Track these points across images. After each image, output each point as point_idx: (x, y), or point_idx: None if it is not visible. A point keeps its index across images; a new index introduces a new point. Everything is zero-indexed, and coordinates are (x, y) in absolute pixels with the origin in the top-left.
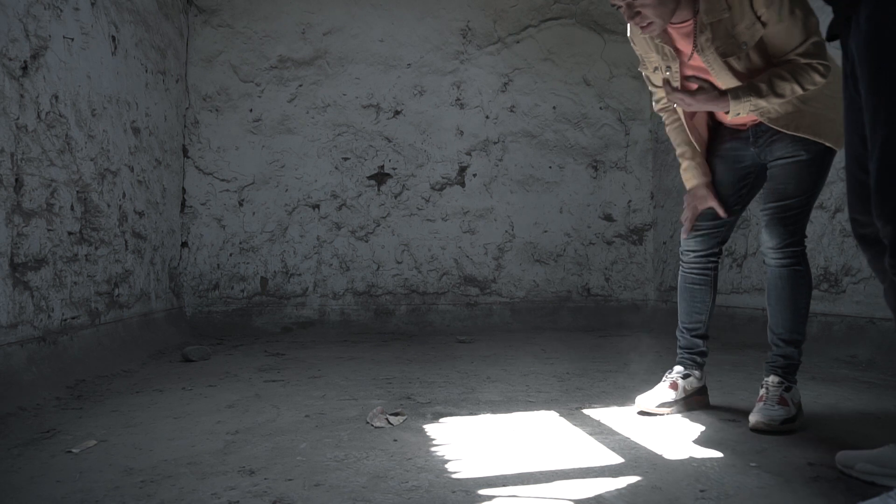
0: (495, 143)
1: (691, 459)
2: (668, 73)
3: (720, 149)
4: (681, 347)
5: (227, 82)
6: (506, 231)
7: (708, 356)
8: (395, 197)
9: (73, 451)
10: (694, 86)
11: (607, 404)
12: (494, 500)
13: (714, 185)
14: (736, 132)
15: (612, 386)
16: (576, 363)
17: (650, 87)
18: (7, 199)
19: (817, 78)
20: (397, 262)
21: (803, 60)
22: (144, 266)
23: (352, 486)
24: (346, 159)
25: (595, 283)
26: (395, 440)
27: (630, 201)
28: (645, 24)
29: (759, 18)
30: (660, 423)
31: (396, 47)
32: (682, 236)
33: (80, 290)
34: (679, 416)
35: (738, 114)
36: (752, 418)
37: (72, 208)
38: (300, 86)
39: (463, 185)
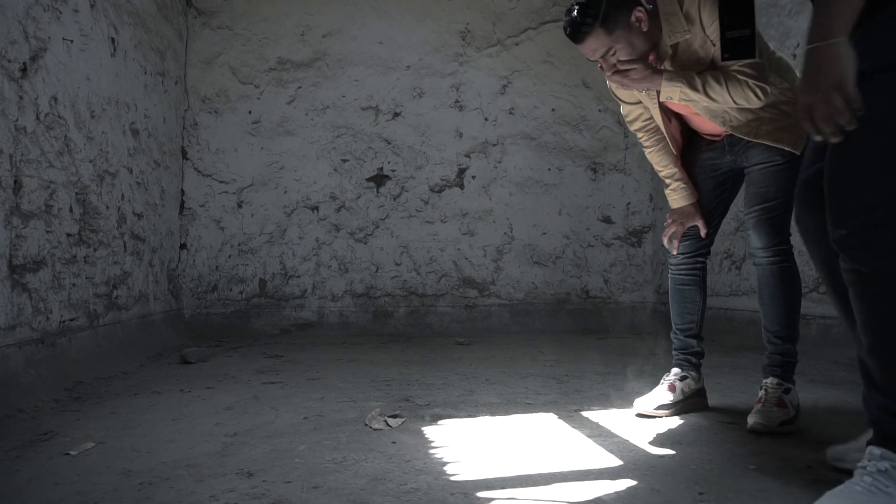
0: (494, 145)
1: (690, 462)
2: (644, 92)
3: (697, 159)
4: (675, 349)
5: (226, 84)
6: (505, 233)
7: (704, 357)
8: (394, 199)
9: (71, 453)
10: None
11: (606, 406)
12: (493, 502)
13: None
14: (711, 142)
15: (610, 388)
16: (574, 365)
17: (622, 108)
18: (6, 200)
19: (752, 97)
20: (396, 263)
21: (740, 77)
22: (143, 268)
23: (350, 488)
24: (345, 161)
25: (594, 285)
26: (394, 442)
27: (629, 203)
28: (625, 71)
29: (708, 37)
30: (658, 425)
31: (396, 49)
32: (673, 251)
33: (79, 291)
34: (677, 418)
35: (670, 98)
36: (751, 419)
37: (70, 210)
38: (299, 87)
39: (462, 186)
